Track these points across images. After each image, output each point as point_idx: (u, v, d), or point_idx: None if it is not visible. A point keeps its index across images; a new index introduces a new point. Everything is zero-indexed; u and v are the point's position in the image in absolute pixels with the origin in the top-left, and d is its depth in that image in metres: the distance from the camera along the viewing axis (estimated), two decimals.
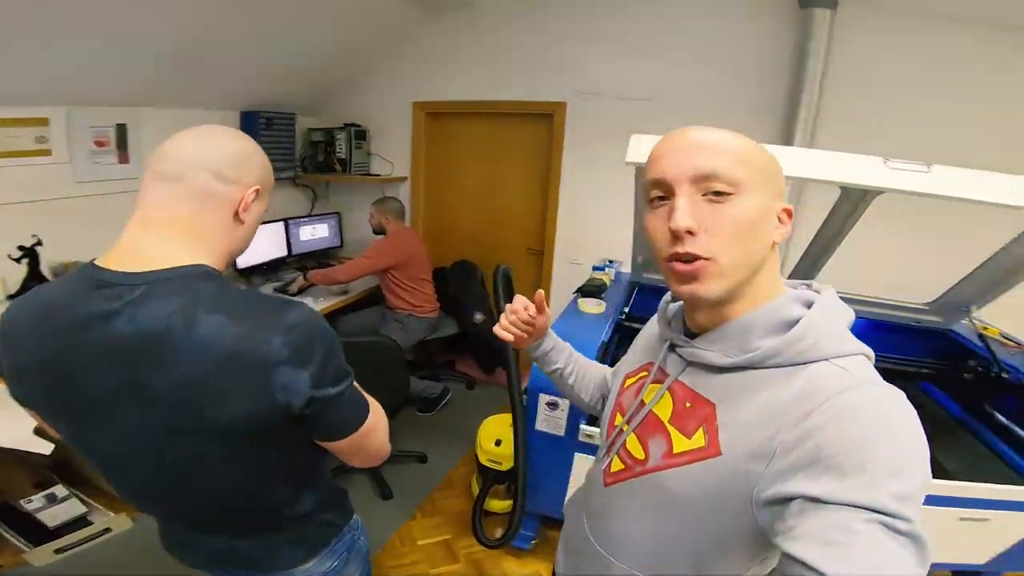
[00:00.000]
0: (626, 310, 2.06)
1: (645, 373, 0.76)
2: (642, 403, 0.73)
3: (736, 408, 0.59)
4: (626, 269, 2.32)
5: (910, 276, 2.25)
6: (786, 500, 0.51)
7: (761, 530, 0.56)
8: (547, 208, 3.10)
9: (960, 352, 2.03)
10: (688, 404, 0.65)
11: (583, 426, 1.51)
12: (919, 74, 2.28)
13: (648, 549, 0.72)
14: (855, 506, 0.45)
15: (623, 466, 0.74)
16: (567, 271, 3.13)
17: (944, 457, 1.68)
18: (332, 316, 2.80)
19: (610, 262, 2.51)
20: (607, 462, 0.78)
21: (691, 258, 0.57)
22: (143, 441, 0.68)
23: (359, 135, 3.21)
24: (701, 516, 0.62)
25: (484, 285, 3.15)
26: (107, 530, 1.89)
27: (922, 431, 0.50)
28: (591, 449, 1.55)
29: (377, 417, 0.82)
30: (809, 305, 0.60)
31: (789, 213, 0.62)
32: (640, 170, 1.44)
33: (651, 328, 0.83)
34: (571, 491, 1.68)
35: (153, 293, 0.63)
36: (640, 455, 0.70)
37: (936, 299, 2.00)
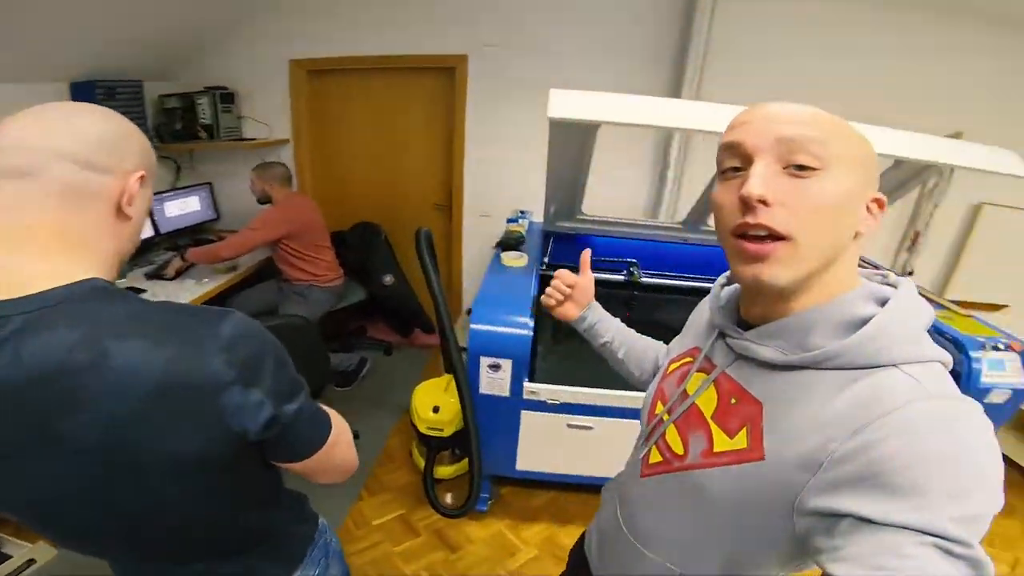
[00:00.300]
0: (545, 260, 2.10)
1: (690, 359, 0.72)
2: (685, 393, 0.69)
3: (786, 411, 0.54)
4: (538, 219, 2.35)
5: None
6: (832, 515, 0.47)
7: (798, 538, 0.52)
8: (452, 163, 3.00)
9: None
10: (733, 400, 0.61)
11: (527, 384, 1.56)
12: (801, 32, 2.50)
13: (680, 545, 0.70)
14: (909, 528, 0.42)
15: (661, 459, 0.70)
16: (478, 225, 3.09)
17: None
18: (223, 296, 2.53)
19: (522, 213, 2.52)
20: (645, 451, 0.75)
21: (763, 232, 0.51)
22: (79, 491, 0.57)
23: (225, 98, 2.83)
24: (736, 519, 0.59)
25: (391, 246, 3.02)
26: (31, 562, 1.66)
27: (997, 451, 0.45)
28: (538, 406, 1.61)
29: (340, 427, 0.76)
30: (883, 303, 0.53)
31: (880, 204, 0.54)
32: (561, 124, 1.46)
33: (702, 310, 0.78)
34: (522, 447, 1.78)
35: (35, 325, 0.50)
36: (679, 450, 0.67)
37: None
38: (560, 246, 2.35)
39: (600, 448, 1.78)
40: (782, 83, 2.61)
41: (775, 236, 0.51)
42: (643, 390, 0.87)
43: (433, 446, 2.04)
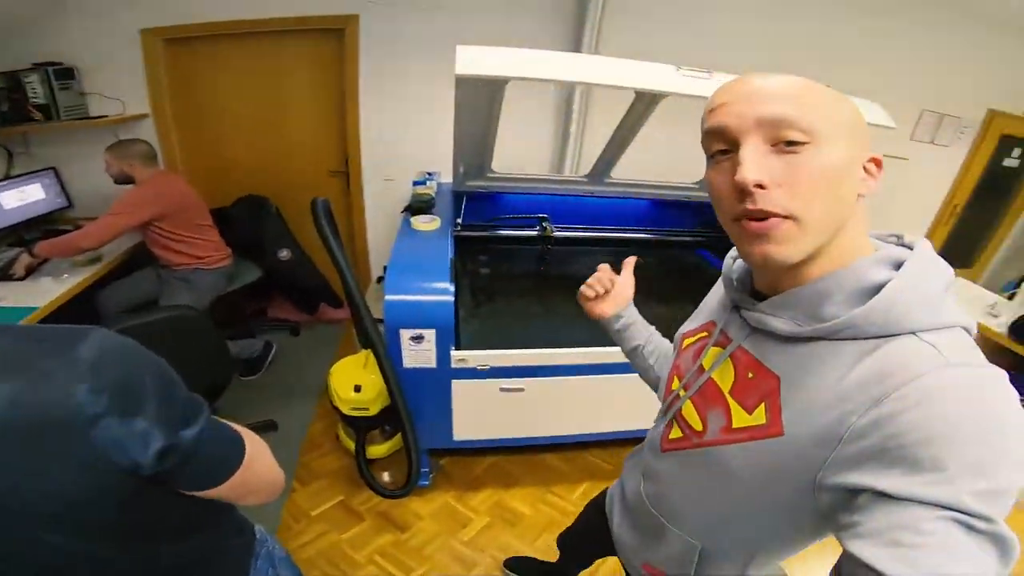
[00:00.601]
0: (459, 221, 2.03)
1: (705, 334, 0.71)
2: (701, 368, 0.67)
3: (803, 384, 0.52)
4: (446, 180, 2.27)
5: (683, 162, 2.71)
6: (852, 491, 0.46)
7: (819, 514, 0.52)
8: (347, 128, 2.79)
9: None
10: (751, 375, 0.59)
11: (454, 352, 1.52)
12: None
13: (701, 520, 0.70)
14: (928, 503, 0.41)
15: (681, 435, 0.70)
16: (381, 190, 2.93)
17: None
18: (91, 292, 2.20)
19: (429, 175, 2.41)
20: (664, 426, 0.75)
21: (764, 215, 0.49)
22: None
23: (63, 74, 2.41)
24: (757, 495, 0.59)
25: (283, 218, 2.78)
26: None
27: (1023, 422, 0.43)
28: (468, 374, 1.57)
29: (255, 445, 0.68)
30: (898, 266, 0.51)
31: (878, 163, 0.52)
32: (469, 81, 1.40)
33: (718, 286, 0.75)
34: (457, 418, 1.75)
35: None
36: (698, 426, 0.66)
37: (703, 178, 2.41)
38: (473, 206, 2.29)
39: (535, 408, 1.80)
40: (676, 36, 2.71)
41: (779, 215, 0.49)
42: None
43: (361, 427, 1.95)
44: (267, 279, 2.79)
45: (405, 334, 1.41)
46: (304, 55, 2.70)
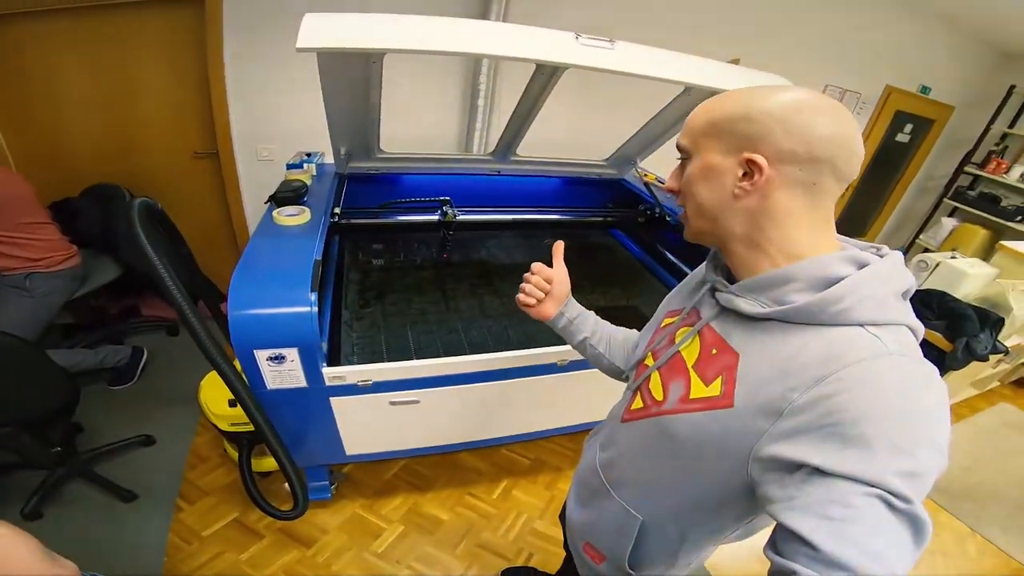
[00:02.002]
0: (337, 210, 1.78)
1: (682, 314, 0.75)
2: (672, 342, 0.72)
3: (758, 361, 0.57)
4: (331, 159, 2.00)
5: (590, 138, 2.60)
6: (784, 464, 0.49)
7: (748, 487, 0.56)
8: (212, 105, 2.43)
9: (633, 199, 2.41)
10: (714, 351, 0.64)
11: (326, 369, 1.31)
12: None
13: (642, 488, 0.75)
14: (856, 480, 0.44)
15: (642, 405, 0.74)
16: (259, 171, 2.62)
17: (639, 301, 2.04)
18: None
19: (308, 156, 2.11)
20: (628, 398, 0.79)
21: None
22: None
23: None
24: (699, 464, 0.63)
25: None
26: None
27: (946, 410, 0.48)
28: (348, 390, 1.37)
29: None
30: (863, 267, 0.55)
31: (750, 162, 0.56)
32: (330, 55, 1.17)
33: (701, 268, 0.79)
34: (345, 434, 1.54)
35: None
36: (659, 396, 0.70)
37: (611, 155, 2.30)
38: (358, 188, 2.04)
39: (435, 418, 1.64)
40: (584, 10, 2.61)
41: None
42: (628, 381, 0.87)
43: (244, 442, 1.72)
44: (129, 275, 2.42)
45: (261, 355, 1.18)
46: (157, 28, 2.31)
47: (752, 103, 0.56)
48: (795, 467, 0.48)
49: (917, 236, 4.81)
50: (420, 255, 2.17)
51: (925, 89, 4.12)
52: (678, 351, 0.70)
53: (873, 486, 0.43)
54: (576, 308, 0.98)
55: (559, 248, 0.98)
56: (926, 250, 4.32)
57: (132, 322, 2.74)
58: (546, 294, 0.95)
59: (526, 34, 1.27)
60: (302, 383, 1.31)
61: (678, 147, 0.64)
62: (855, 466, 0.44)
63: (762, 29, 3.10)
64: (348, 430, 1.55)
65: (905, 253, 4.76)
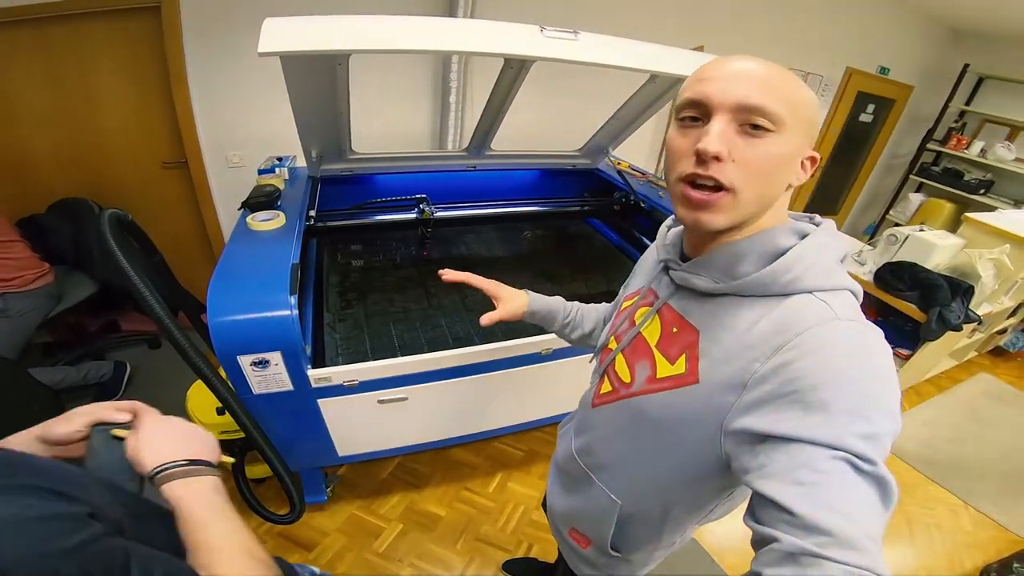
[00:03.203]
0: (312, 213, 1.78)
1: (639, 296, 0.75)
2: (632, 324, 0.73)
3: (718, 336, 0.58)
4: (302, 163, 2.00)
5: (562, 129, 2.62)
6: (754, 435, 0.50)
7: (723, 461, 0.56)
8: (178, 114, 2.40)
9: (607, 187, 2.43)
10: (675, 330, 0.64)
11: (311, 371, 1.31)
12: None
13: (622, 471, 0.75)
14: (820, 444, 0.45)
15: (611, 388, 0.75)
16: (230, 179, 2.59)
17: (620, 286, 2.06)
18: None
19: (280, 160, 2.10)
20: (597, 383, 0.80)
21: (712, 184, 0.54)
22: None
23: None
24: (673, 442, 0.63)
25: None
26: None
27: (895, 374, 0.49)
28: (335, 391, 1.37)
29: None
30: (804, 237, 0.57)
31: (814, 161, 0.58)
32: (294, 59, 1.17)
33: (651, 251, 0.81)
34: (336, 435, 1.54)
35: None
36: (627, 378, 0.71)
37: (584, 145, 2.33)
38: (332, 191, 2.03)
39: (425, 415, 1.64)
40: (550, 2, 2.62)
41: (720, 187, 0.54)
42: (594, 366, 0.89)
43: (236, 450, 1.71)
44: (106, 291, 2.38)
45: (244, 360, 1.18)
46: (114, 37, 2.27)
47: (811, 96, 0.56)
48: (764, 438, 0.49)
49: (887, 212, 4.94)
50: (399, 254, 2.17)
51: (884, 70, 4.24)
52: (640, 332, 0.71)
53: (837, 449, 0.44)
54: (538, 302, 0.98)
55: (453, 276, 0.95)
56: (896, 225, 4.45)
57: (112, 337, 2.70)
58: (497, 302, 0.96)
59: (492, 29, 1.28)
60: (288, 386, 1.31)
61: (764, 111, 0.52)
62: (817, 430, 0.45)
63: (724, 16, 3.15)
64: (338, 431, 1.55)
65: (876, 229, 4.88)
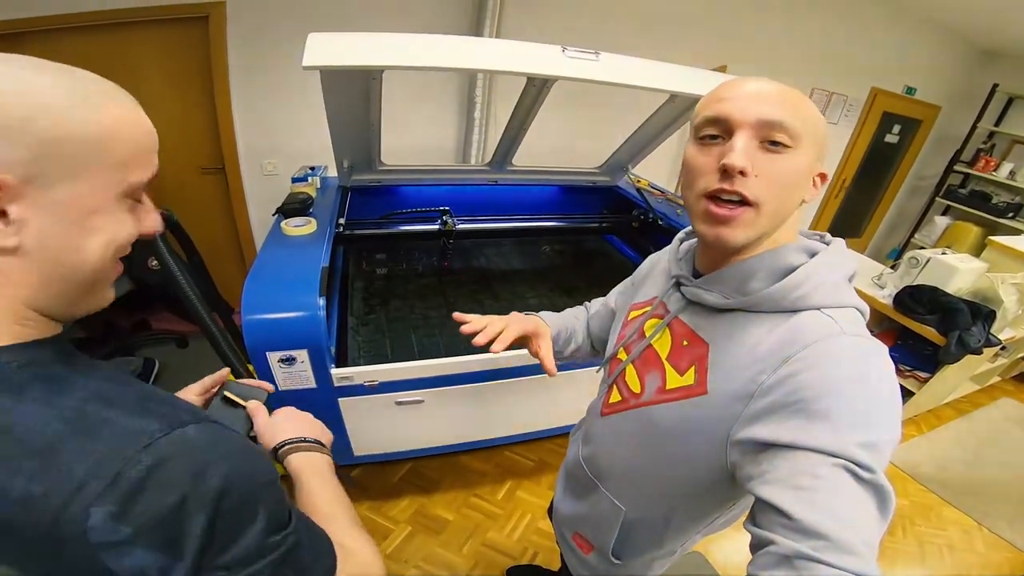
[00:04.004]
0: (342, 221, 1.86)
1: (649, 307, 0.77)
2: (643, 336, 0.75)
3: (727, 350, 0.60)
4: (334, 173, 2.09)
5: (583, 147, 2.68)
6: (758, 444, 0.52)
7: (728, 472, 0.58)
8: (218, 122, 2.51)
9: (627, 205, 2.47)
10: (685, 343, 0.66)
11: (335, 370, 1.37)
12: None
13: (629, 480, 0.77)
14: (822, 452, 0.46)
15: (620, 398, 0.76)
16: (264, 186, 2.70)
17: None
18: None
19: (312, 169, 2.19)
20: (605, 392, 0.81)
21: (737, 199, 0.56)
22: None
23: None
24: (681, 451, 0.65)
25: None
26: None
27: (898, 388, 0.51)
28: (356, 391, 1.43)
29: (356, 553, 0.56)
30: (813, 255, 0.60)
31: (824, 177, 0.61)
32: (333, 73, 1.25)
33: (662, 260, 0.82)
34: (352, 434, 1.60)
35: None
36: (637, 388, 0.72)
37: (604, 163, 2.38)
38: (362, 200, 2.11)
39: (440, 418, 1.69)
40: (576, 21, 2.70)
41: (744, 202, 0.56)
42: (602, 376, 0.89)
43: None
44: (140, 290, 2.49)
45: (273, 357, 1.25)
46: (162, 46, 2.39)
47: (820, 115, 0.59)
48: (767, 446, 0.51)
49: (912, 236, 4.87)
50: (421, 263, 2.24)
51: (911, 90, 4.20)
52: (650, 344, 0.72)
53: (838, 457, 0.46)
54: (555, 327, 0.95)
55: (463, 320, 0.90)
56: (920, 248, 4.39)
57: (143, 335, 2.80)
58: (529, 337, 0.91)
59: (516, 49, 1.34)
60: (312, 384, 1.37)
61: (786, 128, 0.55)
62: (819, 438, 0.47)
63: (748, 36, 3.18)
64: (356, 431, 1.60)
65: (900, 253, 4.81)
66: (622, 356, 0.78)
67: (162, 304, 2.74)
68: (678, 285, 0.71)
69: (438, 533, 1.88)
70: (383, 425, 1.63)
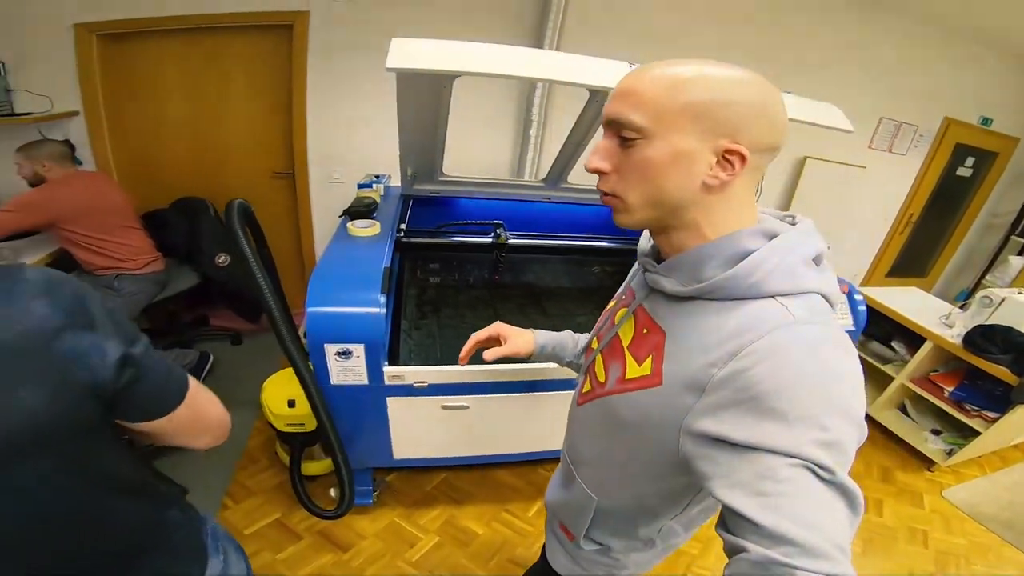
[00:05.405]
0: (403, 227, 1.92)
1: (624, 296, 0.78)
2: (613, 324, 0.74)
3: (682, 339, 0.59)
4: (396, 183, 2.17)
5: None
6: (711, 439, 0.51)
7: (682, 463, 0.56)
8: (293, 127, 2.65)
9: None
10: (645, 331, 0.65)
11: (387, 368, 1.40)
12: None
13: (596, 467, 0.77)
14: (778, 452, 0.45)
15: (590, 387, 0.76)
16: (328, 191, 2.81)
17: None
18: None
19: (377, 177, 2.29)
20: (581, 382, 0.82)
21: (603, 194, 0.60)
22: None
23: None
24: (639, 441, 0.64)
25: (222, 221, 2.62)
26: None
27: (859, 378, 0.49)
28: (404, 391, 1.45)
29: (193, 380, 0.69)
30: (773, 238, 0.56)
31: (733, 153, 0.53)
32: (409, 77, 1.29)
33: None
34: (396, 436, 1.62)
35: None
36: (602, 378, 0.72)
37: None
38: (421, 210, 2.17)
39: (483, 426, 1.70)
40: (636, 36, 2.73)
41: (610, 195, 0.59)
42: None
43: (297, 443, 1.82)
44: (205, 285, 2.62)
45: (330, 349, 1.29)
46: (249, 52, 2.55)
47: (735, 90, 0.53)
48: (721, 443, 0.49)
49: (983, 277, 4.57)
50: (473, 275, 2.27)
51: (986, 120, 3.99)
52: (616, 333, 0.72)
53: (795, 457, 0.44)
54: (543, 338, 1.01)
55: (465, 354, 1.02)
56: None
57: (201, 330, 2.94)
58: (503, 342, 0.99)
59: (583, 62, 1.37)
60: (364, 380, 1.40)
61: (622, 123, 0.55)
62: (774, 439, 0.45)
63: (814, 60, 3.12)
64: (399, 432, 1.62)
65: (969, 295, 4.52)
66: (594, 345, 0.79)
67: (223, 301, 2.88)
68: (643, 271, 0.70)
69: (466, 545, 1.87)
70: (425, 429, 1.65)
